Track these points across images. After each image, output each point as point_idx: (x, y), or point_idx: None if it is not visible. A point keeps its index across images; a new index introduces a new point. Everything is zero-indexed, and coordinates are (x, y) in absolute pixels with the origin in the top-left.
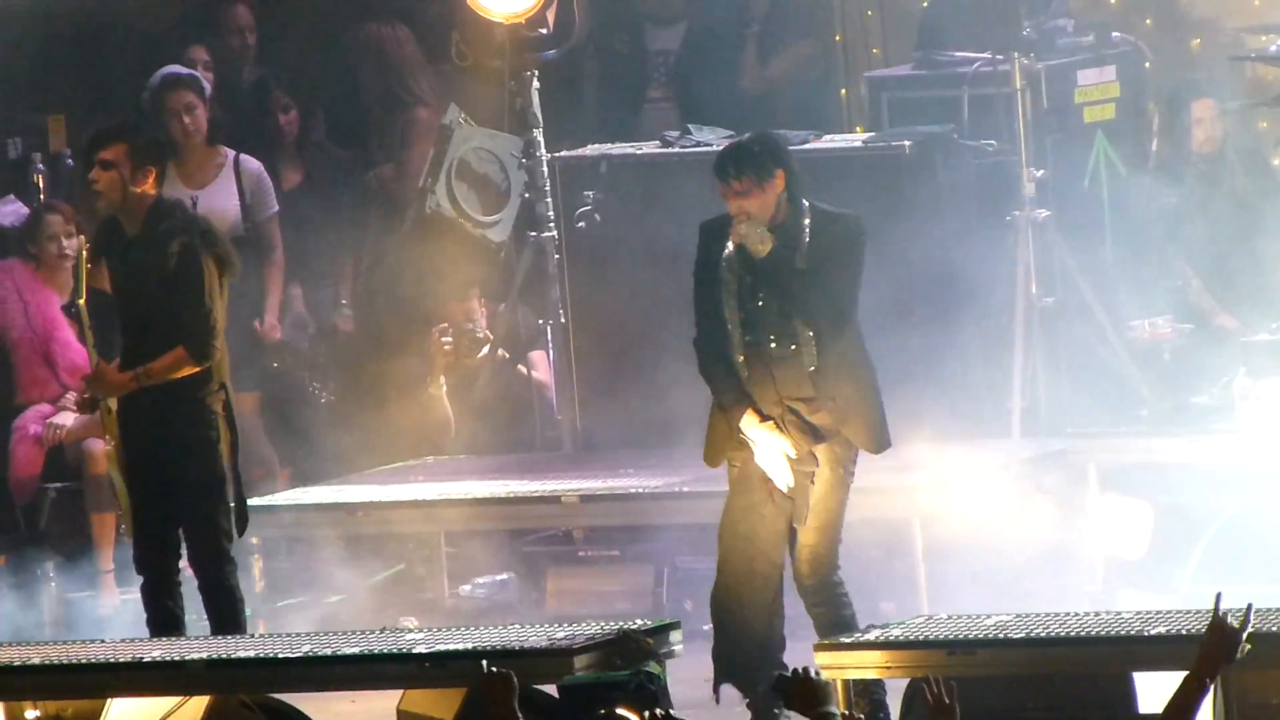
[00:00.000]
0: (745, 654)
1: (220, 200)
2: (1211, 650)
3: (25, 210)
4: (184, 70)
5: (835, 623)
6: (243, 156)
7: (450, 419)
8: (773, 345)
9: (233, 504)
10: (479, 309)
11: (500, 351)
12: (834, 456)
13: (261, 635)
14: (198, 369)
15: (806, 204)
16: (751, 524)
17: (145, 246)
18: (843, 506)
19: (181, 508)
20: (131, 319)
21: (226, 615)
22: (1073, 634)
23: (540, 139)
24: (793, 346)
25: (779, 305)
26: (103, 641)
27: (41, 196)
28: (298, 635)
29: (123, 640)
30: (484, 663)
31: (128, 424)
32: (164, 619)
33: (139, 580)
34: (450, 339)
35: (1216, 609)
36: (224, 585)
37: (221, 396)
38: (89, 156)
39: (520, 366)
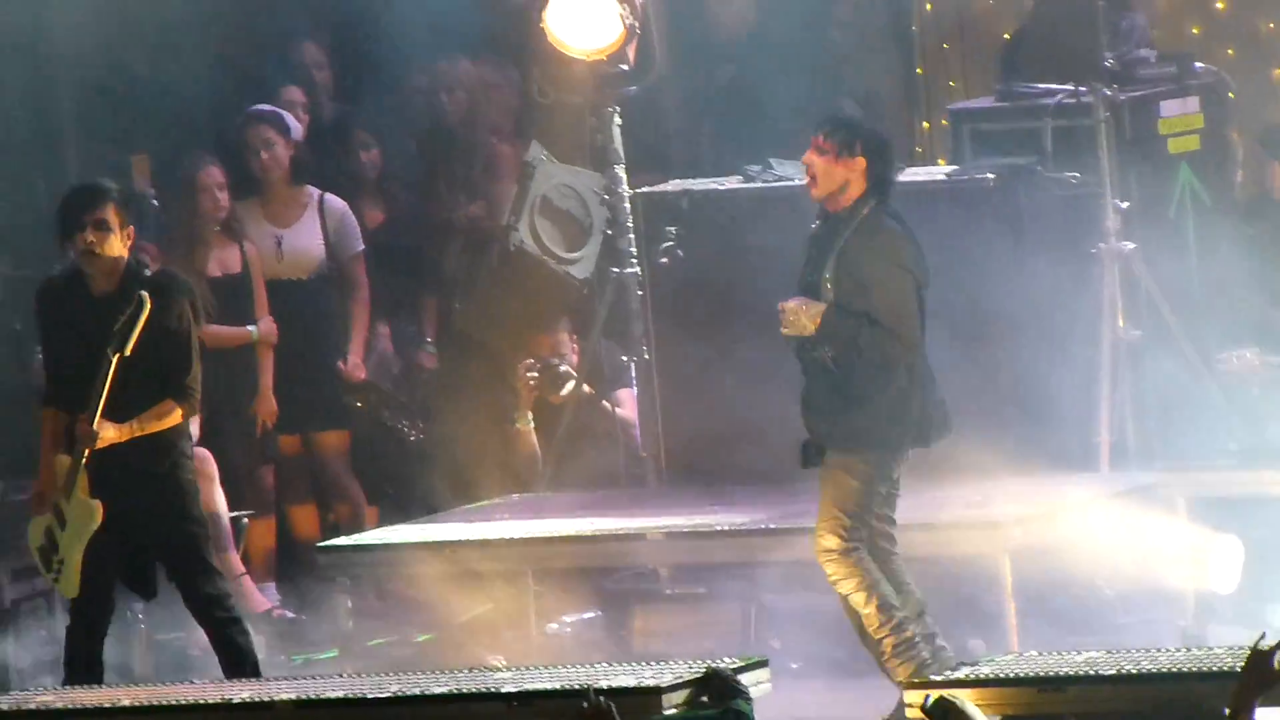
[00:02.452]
0: None
1: (305, 239)
2: (1248, 684)
3: None
4: (268, 108)
5: None
6: (327, 196)
7: (538, 454)
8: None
9: None
10: (569, 343)
11: (584, 388)
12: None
13: (349, 675)
14: (181, 419)
15: (868, 210)
16: None
17: (120, 304)
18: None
19: (169, 556)
20: (97, 376)
21: (239, 650)
22: (1164, 670)
23: (622, 175)
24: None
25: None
26: (192, 683)
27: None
28: (386, 675)
29: (211, 681)
30: (590, 689)
31: (99, 482)
32: (89, 663)
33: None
34: (536, 374)
35: (1257, 643)
36: (229, 621)
37: (190, 445)
38: (77, 218)
39: (605, 403)
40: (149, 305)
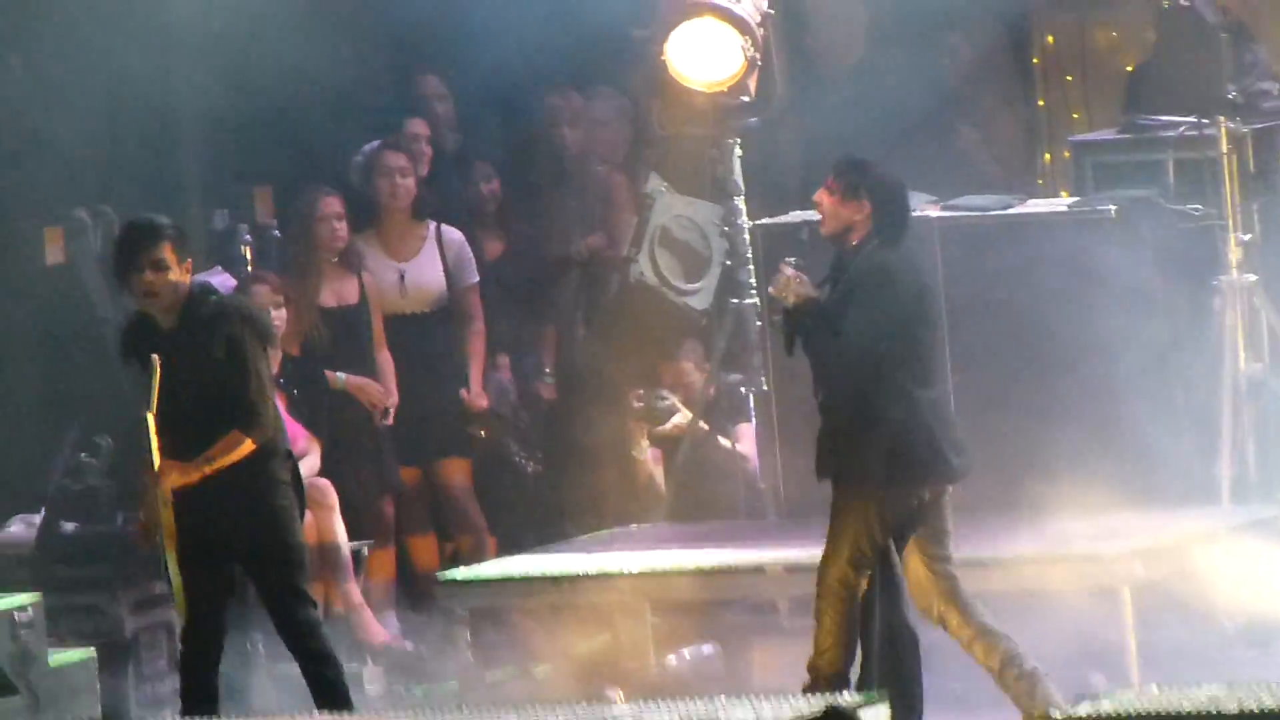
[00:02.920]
0: None
1: (426, 272)
2: None
3: (232, 282)
4: (396, 140)
5: None
6: (444, 227)
7: (657, 483)
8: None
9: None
10: (695, 372)
11: (700, 423)
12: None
13: (467, 708)
14: (254, 446)
15: (872, 248)
16: None
17: (187, 338)
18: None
19: (263, 582)
20: (175, 411)
21: (328, 682)
22: None
23: (741, 206)
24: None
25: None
26: (309, 716)
27: (249, 267)
28: (503, 708)
29: (329, 714)
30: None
31: (193, 510)
32: (203, 695)
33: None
34: (640, 405)
35: None
36: (321, 653)
37: (289, 464)
38: (133, 259)
39: (721, 438)
40: (158, 368)
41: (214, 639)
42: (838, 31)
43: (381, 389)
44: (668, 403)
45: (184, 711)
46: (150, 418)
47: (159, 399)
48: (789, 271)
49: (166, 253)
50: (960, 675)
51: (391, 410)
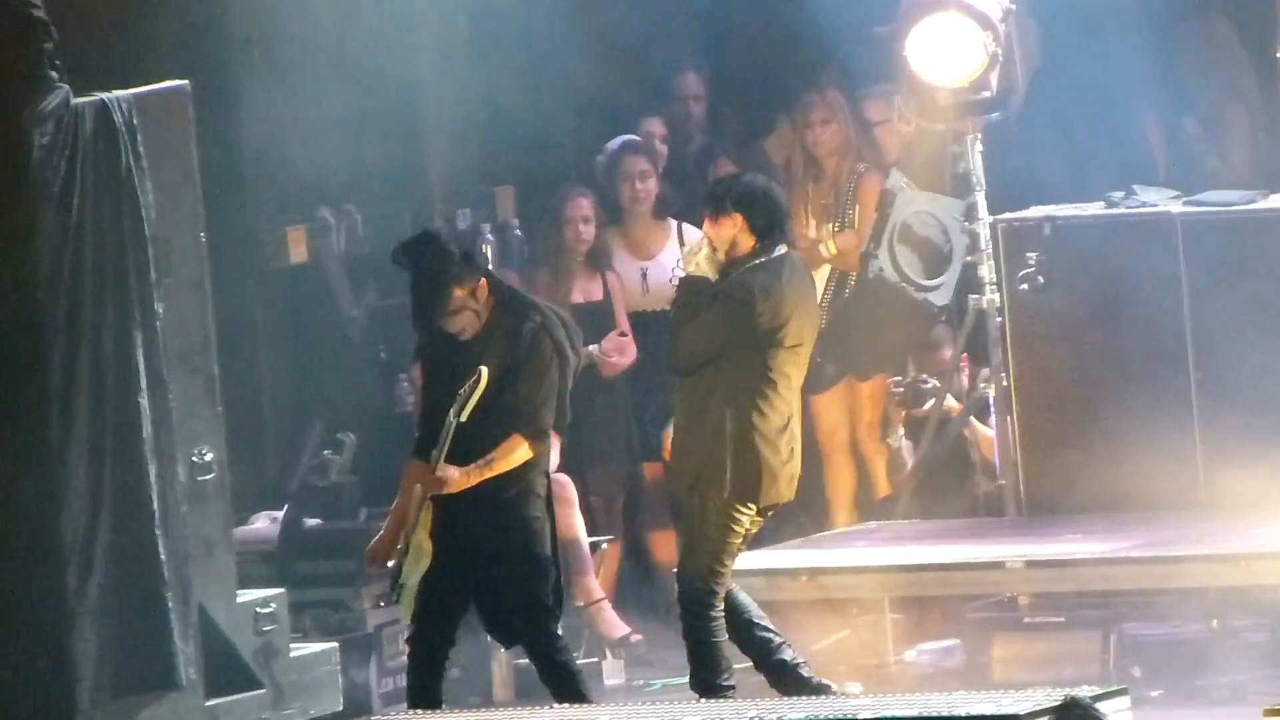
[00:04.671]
0: None
1: (668, 271)
2: None
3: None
4: (638, 139)
5: None
6: (685, 225)
7: (908, 472)
8: None
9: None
10: (951, 363)
11: (958, 407)
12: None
13: (706, 701)
14: (532, 454)
15: (759, 261)
16: None
17: (483, 345)
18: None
19: (507, 591)
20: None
21: (568, 690)
22: None
23: (982, 202)
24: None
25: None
26: (551, 708)
27: (490, 266)
28: (743, 700)
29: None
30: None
31: (446, 512)
32: (428, 696)
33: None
34: (901, 390)
35: None
36: (557, 662)
37: (545, 482)
38: (429, 317)
39: (966, 431)
40: (484, 381)
41: (443, 644)
42: (1080, 27)
43: (631, 344)
44: (930, 385)
45: (411, 707)
46: (455, 422)
47: (440, 401)
48: (704, 246)
49: (456, 297)
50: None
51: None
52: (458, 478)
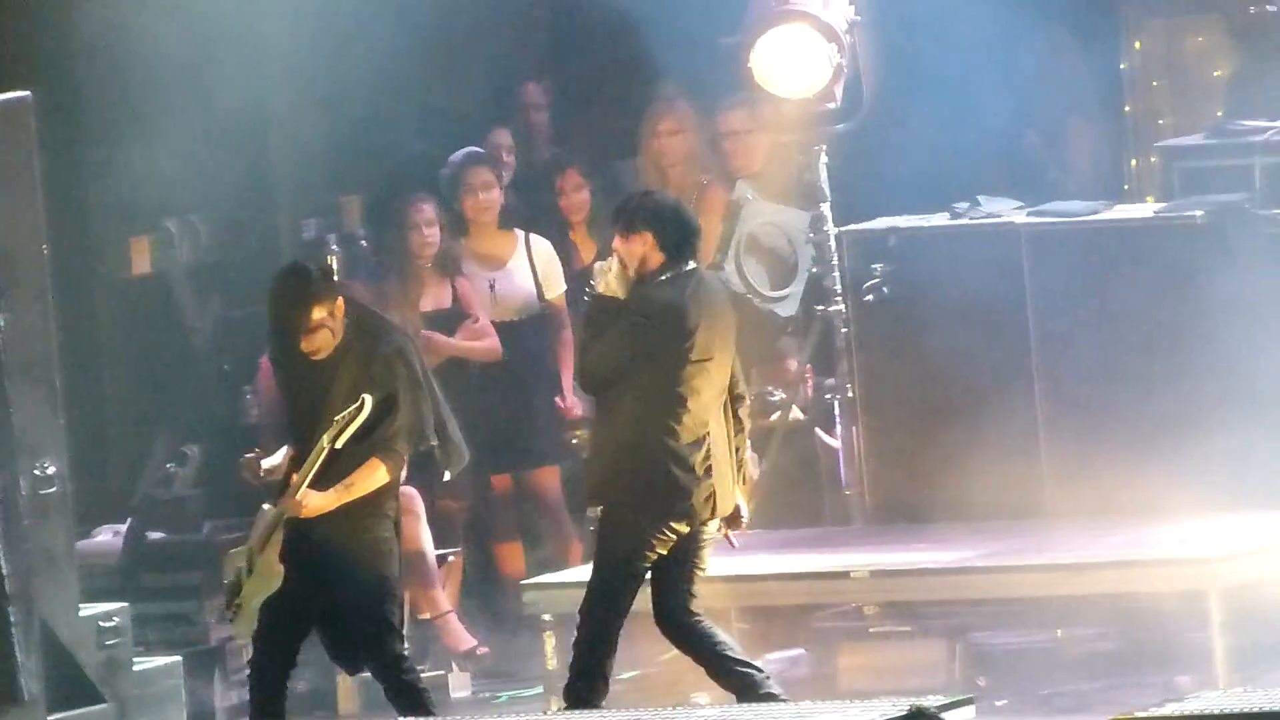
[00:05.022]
0: None
1: (517, 280)
2: None
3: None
4: (482, 150)
5: None
6: (532, 236)
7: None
8: None
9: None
10: (797, 371)
11: (793, 414)
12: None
13: (553, 713)
14: (389, 479)
15: (665, 277)
16: None
17: (336, 368)
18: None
19: (355, 612)
20: (314, 436)
21: (414, 707)
22: None
23: (828, 213)
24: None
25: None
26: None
27: (335, 277)
28: (589, 713)
29: None
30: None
31: (299, 531)
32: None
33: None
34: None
35: None
36: (404, 682)
37: (395, 504)
38: (286, 334)
39: (818, 430)
40: (368, 409)
41: (285, 664)
42: (925, 38)
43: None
44: (776, 397)
45: None
46: (327, 448)
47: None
48: (615, 264)
49: (314, 317)
50: (1050, 679)
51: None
52: (318, 503)
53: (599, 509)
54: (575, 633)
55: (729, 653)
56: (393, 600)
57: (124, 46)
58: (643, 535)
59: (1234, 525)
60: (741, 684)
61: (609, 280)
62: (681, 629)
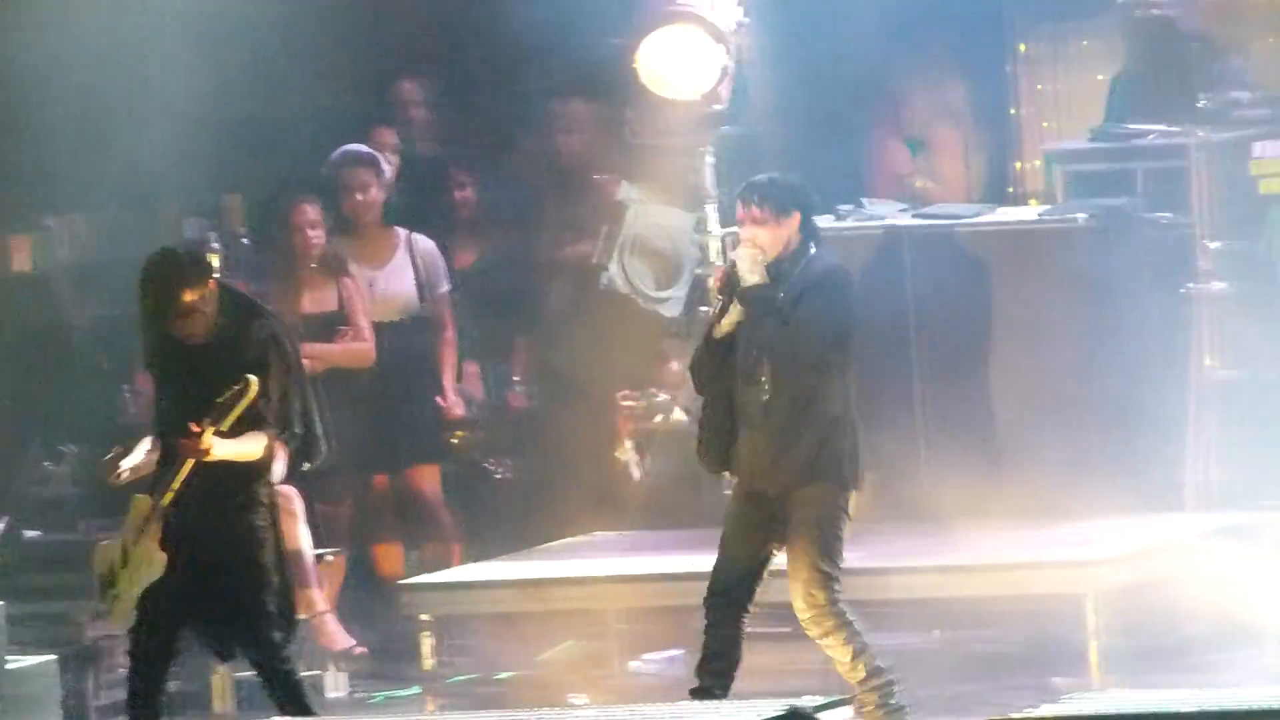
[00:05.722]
0: None
1: (398, 280)
2: None
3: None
4: (364, 149)
5: None
6: (415, 235)
7: (637, 485)
8: (741, 370)
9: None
10: (679, 376)
11: (676, 415)
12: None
13: (431, 713)
14: (260, 455)
15: (814, 252)
16: None
17: (216, 354)
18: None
19: (232, 599)
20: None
21: (291, 700)
22: (1249, 708)
23: (714, 214)
24: (761, 377)
25: (749, 335)
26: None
27: (217, 275)
28: (467, 714)
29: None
30: None
31: (174, 519)
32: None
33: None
34: (632, 403)
35: None
36: (280, 671)
37: (269, 491)
38: (166, 309)
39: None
40: (253, 390)
41: (165, 655)
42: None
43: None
44: (663, 399)
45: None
46: (210, 430)
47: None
48: (752, 251)
49: (196, 297)
50: (931, 680)
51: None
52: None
53: (810, 487)
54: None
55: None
56: (268, 588)
57: (4, 45)
58: (846, 509)
59: (1112, 529)
60: (708, 687)
61: (754, 268)
62: (745, 610)
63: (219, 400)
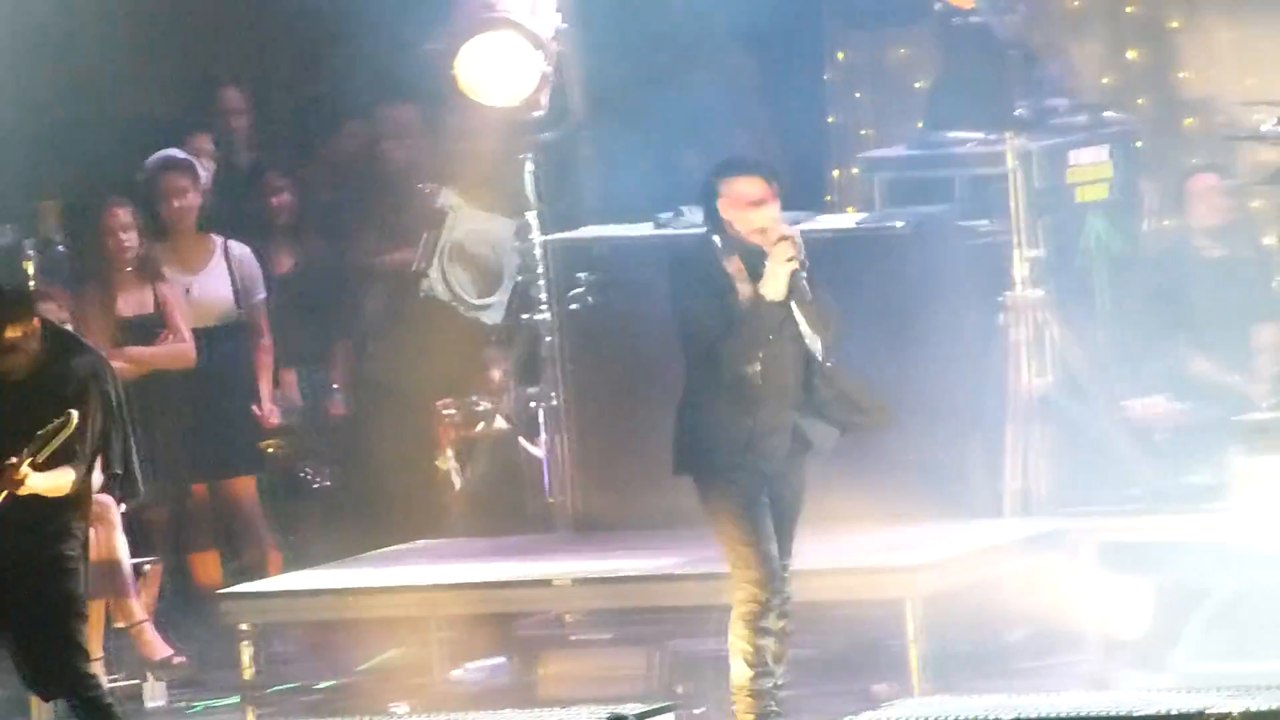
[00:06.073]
0: None
1: (214, 287)
2: None
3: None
4: (180, 155)
5: None
6: (231, 242)
7: (458, 493)
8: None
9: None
10: (502, 380)
11: (507, 427)
12: None
13: None
14: (70, 489)
15: None
16: None
17: (36, 380)
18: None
19: (40, 629)
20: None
21: None
22: (1065, 714)
23: (534, 221)
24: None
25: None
26: None
27: (31, 283)
28: None
29: None
30: None
31: None
32: None
33: None
34: (453, 412)
35: None
36: (89, 699)
37: (83, 525)
38: None
39: (524, 441)
40: (73, 424)
41: None
42: (631, 47)
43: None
44: (484, 407)
45: None
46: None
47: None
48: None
49: (18, 333)
50: None
51: None
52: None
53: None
54: None
55: None
56: (78, 619)
57: None
58: None
59: (931, 534)
60: None
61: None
62: None
63: (39, 433)
